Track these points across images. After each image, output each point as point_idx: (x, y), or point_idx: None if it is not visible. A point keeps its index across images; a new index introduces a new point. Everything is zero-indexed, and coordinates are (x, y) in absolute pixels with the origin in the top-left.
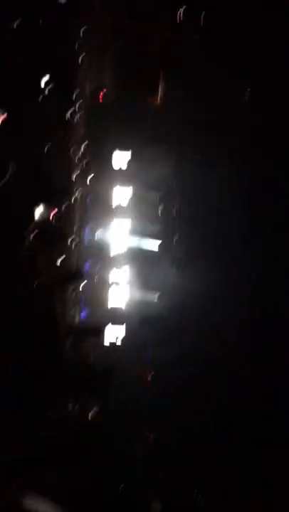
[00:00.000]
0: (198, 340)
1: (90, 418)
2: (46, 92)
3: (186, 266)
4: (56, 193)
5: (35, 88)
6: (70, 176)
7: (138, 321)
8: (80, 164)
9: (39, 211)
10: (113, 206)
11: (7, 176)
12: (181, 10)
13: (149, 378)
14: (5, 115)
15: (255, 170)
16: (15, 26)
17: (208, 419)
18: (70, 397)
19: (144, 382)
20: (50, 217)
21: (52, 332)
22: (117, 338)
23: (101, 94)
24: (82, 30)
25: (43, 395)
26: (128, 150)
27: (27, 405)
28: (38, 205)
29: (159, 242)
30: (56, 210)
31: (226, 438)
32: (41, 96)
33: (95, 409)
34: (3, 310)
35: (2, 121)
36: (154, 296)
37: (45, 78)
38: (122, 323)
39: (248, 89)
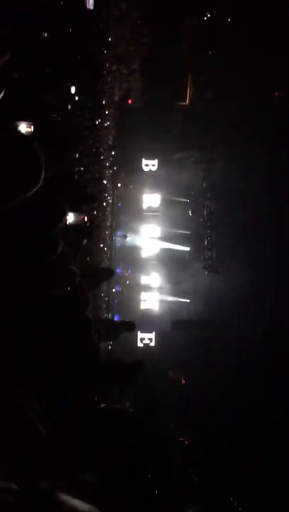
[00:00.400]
0: (228, 343)
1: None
2: (76, 98)
3: (217, 270)
4: (88, 199)
5: (65, 95)
6: (101, 182)
7: (170, 324)
8: (111, 170)
9: (72, 216)
10: (143, 211)
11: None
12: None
13: (183, 382)
14: (32, 127)
15: (285, 172)
16: (44, 35)
17: (240, 424)
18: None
19: (179, 385)
20: (83, 222)
21: (86, 335)
22: (150, 339)
23: (130, 98)
24: (110, 37)
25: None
26: (156, 157)
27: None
28: (70, 210)
29: (188, 247)
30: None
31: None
32: (70, 103)
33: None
34: (38, 314)
35: (33, 131)
36: (185, 300)
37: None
38: (154, 326)
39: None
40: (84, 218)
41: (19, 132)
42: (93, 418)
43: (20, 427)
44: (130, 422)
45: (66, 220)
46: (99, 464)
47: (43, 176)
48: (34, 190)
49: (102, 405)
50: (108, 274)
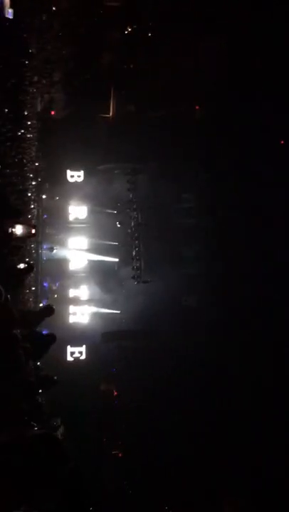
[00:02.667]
0: (158, 353)
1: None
2: None
3: (146, 280)
4: (11, 212)
5: None
6: (25, 193)
7: (101, 335)
8: (35, 182)
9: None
10: (70, 223)
11: None
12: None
13: (115, 393)
14: None
15: (209, 177)
16: None
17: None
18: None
19: (111, 397)
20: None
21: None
22: (80, 352)
23: (53, 110)
24: (31, 48)
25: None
26: (81, 168)
27: None
28: None
29: (117, 258)
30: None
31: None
32: None
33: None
34: None
35: None
36: (116, 311)
37: None
38: (84, 339)
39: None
40: (31, 230)
41: None
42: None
43: None
44: (52, 447)
45: None
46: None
47: None
48: None
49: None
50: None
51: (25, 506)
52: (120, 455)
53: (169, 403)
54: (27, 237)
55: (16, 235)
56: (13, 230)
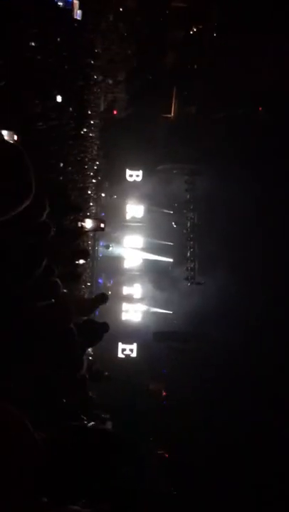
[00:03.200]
0: (209, 355)
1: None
2: (61, 108)
3: (199, 282)
4: (72, 209)
5: (50, 104)
6: (84, 191)
7: (152, 335)
8: (95, 180)
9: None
10: (127, 221)
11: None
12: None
13: (164, 394)
14: (16, 137)
15: (270, 181)
16: (32, 44)
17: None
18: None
19: (159, 397)
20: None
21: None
22: (131, 350)
23: (115, 109)
24: (96, 48)
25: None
26: (140, 168)
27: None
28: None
29: (171, 258)
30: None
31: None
32: (56, 112)
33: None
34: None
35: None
36: (168, 311)
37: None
38: (135, 337)
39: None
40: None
41: (7, 142)
42: (81, 441)
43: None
44: (118, 445)
45: (52, 233)
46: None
47: (33, 188)
48: (25, 203)
49: (89, 425)
50: (104, 299)
51: (81, 505)
52: (166, 455)
53: (219, 408)
54: (95, 230)
55: (85, 228)
56: (83, 224)
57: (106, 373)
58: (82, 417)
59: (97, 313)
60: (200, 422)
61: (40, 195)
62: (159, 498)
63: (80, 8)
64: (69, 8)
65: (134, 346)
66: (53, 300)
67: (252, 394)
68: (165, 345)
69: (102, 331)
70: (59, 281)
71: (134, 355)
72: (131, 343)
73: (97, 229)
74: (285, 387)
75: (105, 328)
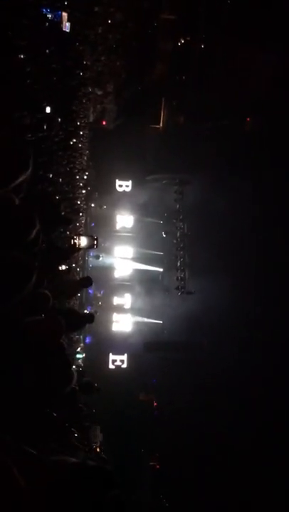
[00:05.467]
0: (200, 365)
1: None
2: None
3: (189, 291)
4: (62, 221)
5: (39, 115)
6: (74, 202)
7: (143, 345)
8: (85, 190)
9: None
10: (117, 231)
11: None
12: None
13: (155, 404)
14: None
15: (259, 190)
16: (21, 56)
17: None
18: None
19: (150, 408)
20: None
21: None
22: (122, 361)
23: (104, 120)
24: (85, 60)
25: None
26: (129, 178)
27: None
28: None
29: (161, 268)
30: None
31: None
32: (45, 123)
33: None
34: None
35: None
36: (158, 321)
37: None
38: (126, 347)
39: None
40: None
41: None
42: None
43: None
44: (107, 481)
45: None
46: None
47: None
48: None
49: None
50: (88, 283)
51: None
52: (158, 467)
53: (210, 418)
54: (89, 247)
55: (79, 245)
56: (78, 241)
57: (96, 385)
58: (72, 429)
59: (87, 340)
60: (191, 432)
61: (29, 209)
62: (150, 510)
63: (68, 21)
64: (58, 21)
65: (125, 357)
66: (42, 315)
67: (244, 403)
68: (156, 355)
69: (86, 322)
70: (48, 293)
71: (124, 365)
72: (122, 353)
73: (90, 246)
74: (277, 396)
75: (91, 319)
